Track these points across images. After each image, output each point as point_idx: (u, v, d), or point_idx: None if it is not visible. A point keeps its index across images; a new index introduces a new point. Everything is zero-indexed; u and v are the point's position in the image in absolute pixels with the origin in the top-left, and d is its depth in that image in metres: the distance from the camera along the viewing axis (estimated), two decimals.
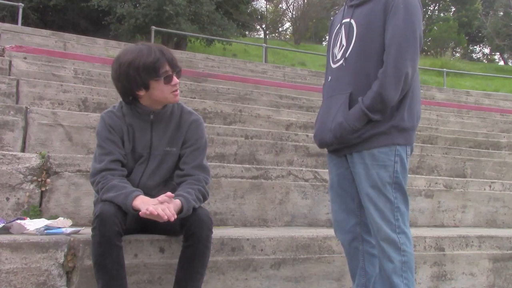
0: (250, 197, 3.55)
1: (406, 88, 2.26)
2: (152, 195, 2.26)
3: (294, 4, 29.96)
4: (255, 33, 30.78)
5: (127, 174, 2.38)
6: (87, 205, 2.96)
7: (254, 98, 7.53)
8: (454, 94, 13.62)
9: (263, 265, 2.79)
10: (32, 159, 2.96)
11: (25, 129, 3.73)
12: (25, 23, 14.54)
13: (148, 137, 2.42)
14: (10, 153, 3.01)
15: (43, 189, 2.93)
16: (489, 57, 39.29)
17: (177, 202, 2.22)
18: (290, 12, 30.08)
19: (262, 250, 2.80)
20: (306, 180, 3.86)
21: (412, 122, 2.32)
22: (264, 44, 19.29)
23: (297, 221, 3.72)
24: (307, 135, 5.42)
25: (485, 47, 39.19)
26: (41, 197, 2.93)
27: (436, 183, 4.43)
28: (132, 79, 2.31)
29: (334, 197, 2.50)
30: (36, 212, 2.88)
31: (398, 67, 2.20)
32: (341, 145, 2.35)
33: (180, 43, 18.93)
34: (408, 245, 2.25)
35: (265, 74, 11.58)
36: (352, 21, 2.37)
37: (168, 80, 2.35)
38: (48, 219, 2.60)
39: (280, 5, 29.92)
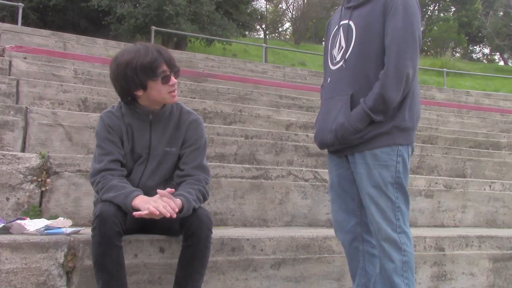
0: (250, 197, 3.55)
1: (407, 89, 2.27)
2: (152, 196, 2.25)
3: (294, 4, 30.05)
4: (255, 33, 30.83)
5: (127, 175, 2.38)
6: (87, 205, 2.95)
7: (254, 98, 7.53)
8: (454, 94, 13.62)
9: (263, 265, 2.79)
10: (32, 159, 2.95)
11: (25, 129, 3.73)
12: (25, 23, 14.55)
13: (147, 137, 2.42)
14: (10, 153, 3.01)
15: (43, 189, 2.93)
16: (489, 57, 39.33)
17: (178, 201, 2.22)
18: (290, 12, 30.16)
19: (262, 250, 2.80)
20: (306, 180, 3.86)
21: (413, 122, 2.33)
22: (264, 44, 19.31)
23: (297, 221, 3.72)
24: (307, 135, 5.42)
25: (485, 47, 39.25)
26: (41, 197, 2.93)
27: (436, 183, 4.43)
28: (129, 79, 2.31)
29: (334, 197, 2.50)
30: (36, 212, 2.88)
31: (399, 68, 2.21)
32: (342, 146, 2.35)
33: (180, 43, 18.94)
34: (408, 245, 2.26)
35: (265, 74, 11.57)
36: (351, 23, 2.36)
37: (165, 80, 2.34)
38: (48, 219, 2.60)
39: (280, 5, 29.97)
